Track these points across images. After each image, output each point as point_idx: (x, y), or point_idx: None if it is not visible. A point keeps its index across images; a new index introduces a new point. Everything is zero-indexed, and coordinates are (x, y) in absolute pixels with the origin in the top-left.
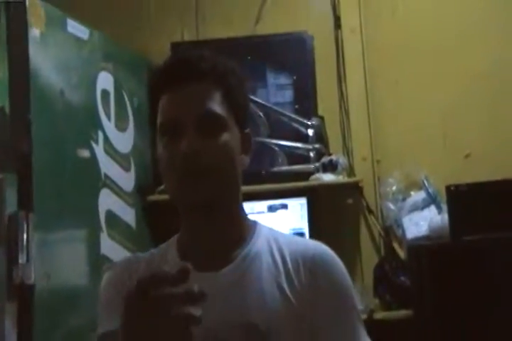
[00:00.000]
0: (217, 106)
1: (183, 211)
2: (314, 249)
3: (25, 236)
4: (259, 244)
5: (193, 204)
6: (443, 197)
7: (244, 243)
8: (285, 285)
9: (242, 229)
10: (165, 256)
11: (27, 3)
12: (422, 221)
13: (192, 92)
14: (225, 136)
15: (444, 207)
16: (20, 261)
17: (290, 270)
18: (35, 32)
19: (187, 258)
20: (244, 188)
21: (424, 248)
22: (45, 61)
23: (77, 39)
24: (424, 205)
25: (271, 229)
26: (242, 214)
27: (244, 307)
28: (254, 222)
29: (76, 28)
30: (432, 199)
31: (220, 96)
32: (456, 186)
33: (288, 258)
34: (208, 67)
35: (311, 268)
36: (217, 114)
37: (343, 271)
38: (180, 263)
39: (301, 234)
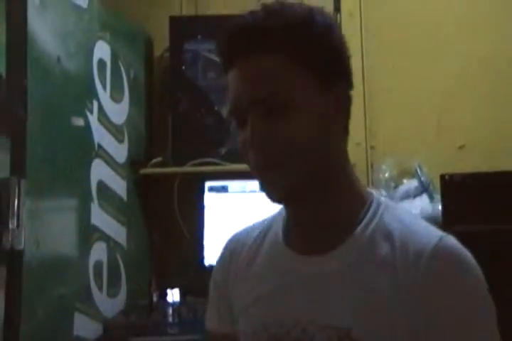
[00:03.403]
0: (281, 80)
1: None
2: (437, 244)
3: (16, 201)
4: (370, 229)
5: (271, 198)
6: (435, 187)
7: (353, 225)
8: (391, 286)
9: (352, 210)
10: (270, 232)
11: None
12: (414, 209)
13: (249, 72)
14: (298, 114)
15: (436, 196)
16: (10, 226)
17: (399, 272)
18: None
19: (290, 240)
20: (237, 167)
21: None
22: (43, 27)
23: (76, 7)
24: (416, 193)
25: (388, 208)
26: (351, 191)
27: (338, 308)
28: (371, 197)
29: None
30: (424, 188)
31: (288, 63)
32: (451, 175)
33: (398, 255)
34: (263, 34)
35: (427, 268)
36: (280, 93)
37: (475, 279)
38: (282, 245)
39: None
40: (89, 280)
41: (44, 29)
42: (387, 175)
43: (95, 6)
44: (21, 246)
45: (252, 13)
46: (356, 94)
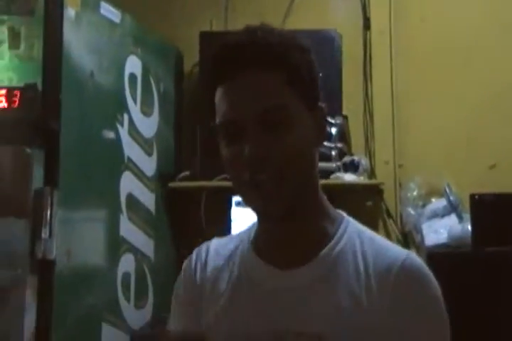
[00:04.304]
0: (279, 95)
1: (258, 217)
2: (403, 261)
3: (49, 211)
4: (342, 244)
5: (268, 215)
6: (464, 206)
7: (325, 241)
8: (364, 299)
9: (324, 227)
10: (241, 245)
11: None
12: (442, 229)
13: (247, 85)
14: (296, 129)
15: (465, 216)
16: (43, 235)
17: (372, 282)
18: (70, 12)
19: (264, 252)
20: None
21: (444, 255)
22: (78, 42)
23: (109, 22)
24: (444, 213)
25: (356, 226)
26: (324, 209)
27: (311, 316)
28: (340, 217)
29: (109, 11)
30: (452, 208)
31: (282, 80)
32: (481, 195)
33: (371, 267)
34: (261, 50)
35: (395, 284)
36: (280, 107)
37: (437, 293)
38: (255, 257)
39: None
40: (117, 291)
41: (79, 44)
42: (415, 193)
43: (128, 22)
44: (53, 256)
45: (250, 30)
46: (384, 111)
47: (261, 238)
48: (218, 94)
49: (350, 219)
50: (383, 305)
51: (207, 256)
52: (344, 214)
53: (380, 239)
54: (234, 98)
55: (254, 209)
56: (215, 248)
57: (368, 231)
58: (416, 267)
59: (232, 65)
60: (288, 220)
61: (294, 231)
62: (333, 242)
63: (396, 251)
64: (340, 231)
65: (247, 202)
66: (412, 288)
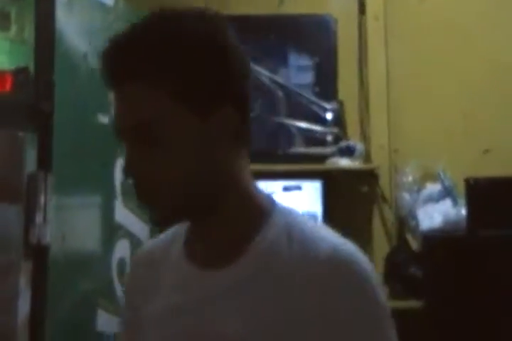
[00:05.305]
0: (145, 111)
1: None
2: (330, 254)
3: (42, 196)
4: (268, 239)
5: (151, 222)
6: (459, 191)
7: (251, 237)
8: (285, 302)
9: (246, 222)
10: (174, 245)
11: None
12: (437, 213)
13: (122, 98)
14: (165, 149)
15: (460, 200)
16: (37, 220)
17: (295, 283)
18: None
19: (192, 253)
20: (260, 167)
21: (439, 240)
22: (71, 24)
23: (103, 5)
24: (439, 197)
25: (288, 217)
26: (241, 206)
27: (223, 320)
28: (270, 208)
29: None
30: (447, 192)
31: (153, 92)
32: (476, 179)
33: (295, 267)
34: (124, 59)
35: (319, 283)
36: (143, 126)
37: (367, 294)
38: (183, 259)
39: (314, 218)
40: (112, 277)
41: (71, 26)
42: (410, 178)
43: (121, 5)
44: (47, 241)
45: (124, 31)
46: (380, 96)
47: (189, 237)
48: None
49: (285, 208)
50: (306, 307)
51: (144, 260)
52: (278, 203)
53: (311, 231)
54: (115, 108)
55: None
56: (151, 250)
57: (300, 224)
58: (349, 260)
59: (108, 80)
60: (173, 222)
61: (211, 231)
62: (256, 241)
63: (327, 238)
64: (269, 226)
65: None
66: (340, 285)
